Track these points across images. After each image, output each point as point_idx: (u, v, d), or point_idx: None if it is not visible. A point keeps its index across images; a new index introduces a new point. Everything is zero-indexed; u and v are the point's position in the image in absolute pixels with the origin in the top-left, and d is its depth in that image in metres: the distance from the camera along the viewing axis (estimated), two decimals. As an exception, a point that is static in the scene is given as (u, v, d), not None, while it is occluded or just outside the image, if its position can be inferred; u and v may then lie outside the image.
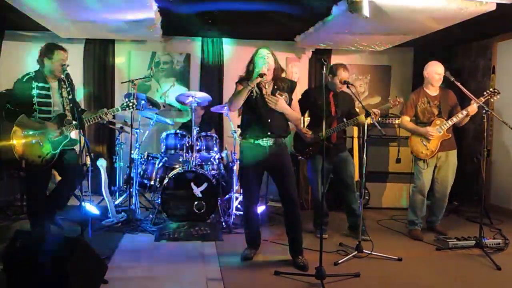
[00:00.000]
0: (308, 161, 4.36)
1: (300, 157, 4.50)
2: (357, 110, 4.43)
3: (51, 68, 3.70)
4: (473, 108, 4.16)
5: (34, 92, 3.62)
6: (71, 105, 3.53)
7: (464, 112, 4.22)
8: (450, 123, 4.29)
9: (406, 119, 4.46)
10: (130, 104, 3.92)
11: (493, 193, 5.82)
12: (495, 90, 4.19)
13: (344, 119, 4.28)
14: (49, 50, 3.69)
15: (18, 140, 3.60)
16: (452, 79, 4.18)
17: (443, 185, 4.42)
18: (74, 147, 3.92)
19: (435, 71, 4.33)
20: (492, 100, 4.21)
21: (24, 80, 3.65)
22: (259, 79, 3.35)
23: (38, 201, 3.78)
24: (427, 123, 4.38)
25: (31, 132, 3.61)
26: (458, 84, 4.14)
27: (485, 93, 4.19)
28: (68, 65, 3.62)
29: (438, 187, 4.46)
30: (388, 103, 4.23)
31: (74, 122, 3.70)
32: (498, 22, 4.85)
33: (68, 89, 3.58)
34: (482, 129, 3.92)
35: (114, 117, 5.18)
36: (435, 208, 4.57)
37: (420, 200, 4.45)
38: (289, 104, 3.52)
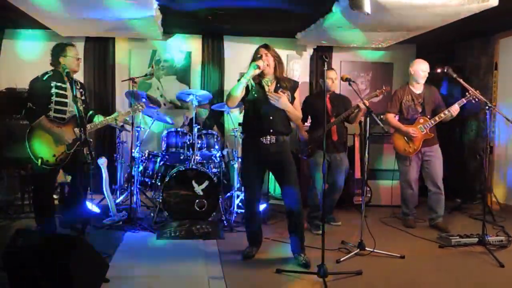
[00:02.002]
0: (310, 160, 4.47)
1: (301, 156, 4.59)
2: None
3: (69, 65, 3.68)
4: (455, 108, 4.26)
5: (53, 91, 3.61)
6: (83, 105, 3.53)
7: (447, 113, 4.32)
8: (433, 122, 4.38)
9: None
10: (140, 108, 4.15)
11: (496, 190, 5.78)
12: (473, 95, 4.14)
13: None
14: (61, 49, 3.71)
15: (35, 140, 3.56)
16: (455, 75, 4.18)
17: (433, 177, 4.50)
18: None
19: (420, 68, 4.45)
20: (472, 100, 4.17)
21: (45, 78, 3.64)
22: (253, 71, 3.36)
23: (48, 199, 3.80)
24: (411, 120, 4.49)
25: (48, 133, 3.59)
26: (461, 80, 4.13)
27: (467, 94, 4.19)
28: (80, 58, 3.80)
29: (430, 181, 4.54)
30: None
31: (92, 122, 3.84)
32: (500, 18, 4.81)
33: (81, 90, 3.68)
34: (485, 126, 3.90)
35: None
36: (433, 204, 4.56)
37: (410, 193, 4.64)
38: (291, 103, 3.52)
